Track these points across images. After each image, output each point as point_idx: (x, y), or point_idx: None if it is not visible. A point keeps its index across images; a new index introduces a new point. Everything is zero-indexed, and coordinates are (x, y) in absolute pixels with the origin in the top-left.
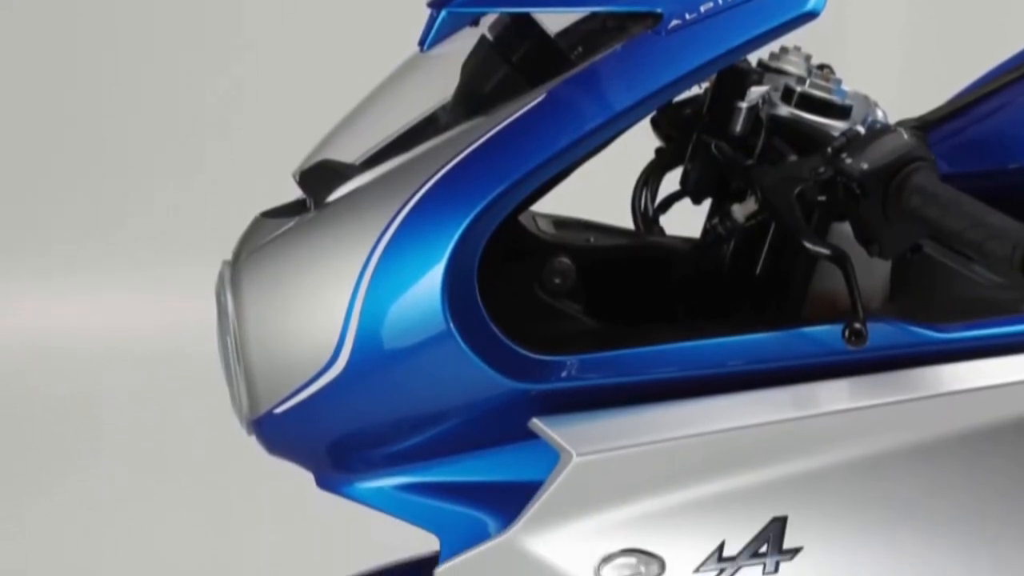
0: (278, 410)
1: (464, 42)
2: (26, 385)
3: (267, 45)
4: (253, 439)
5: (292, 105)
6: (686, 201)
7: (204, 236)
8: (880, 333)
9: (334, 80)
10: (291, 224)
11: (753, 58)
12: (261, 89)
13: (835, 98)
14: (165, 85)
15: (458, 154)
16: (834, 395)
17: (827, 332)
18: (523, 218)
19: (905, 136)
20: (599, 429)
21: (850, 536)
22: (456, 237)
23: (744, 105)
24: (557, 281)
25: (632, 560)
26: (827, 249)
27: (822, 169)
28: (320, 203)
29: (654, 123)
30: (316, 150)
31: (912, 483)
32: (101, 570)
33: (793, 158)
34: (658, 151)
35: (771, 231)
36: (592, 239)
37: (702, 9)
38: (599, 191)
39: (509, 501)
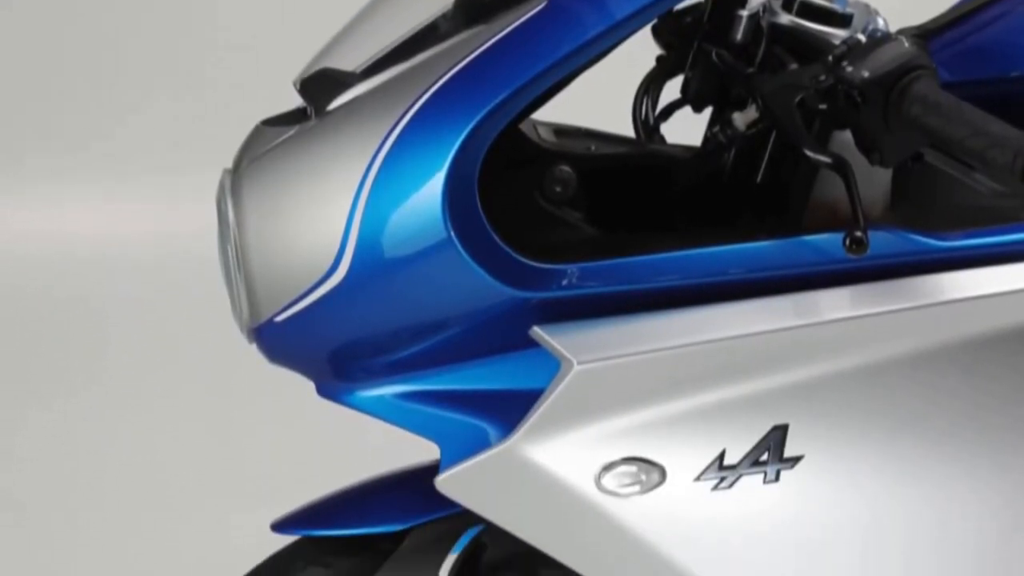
0: (279, 318)
1: None
2: (27, 293)
3: None
4: (254, 347)
5: (293, 14)
6: (687, 109)
7: (205, 144)
8: (881, 241)
9: None
10: (292, 132)
11: None
12: None
13: (836, 6)
14: None
15: (459, 63)
16: (835, 303)
17: (828, 240)
18: (524, 126)
19: (906, 44)
20: (600, 337)
21: (851, 444)
22: (457, 145)
23: (745, 13)
24: (558, 189)
25: (633, 468)
26: (828, 157)
27: (823, 77)
28: (321, 111)
29: (655, 31)
30: (317, 58)
31: (913, 391)
32: (102, 479)
33: (794, 66)
34: (659, 59)
35: (772, 139)
36: (593, 147)
37: None
38: (600, 99)
39: (510, 410)
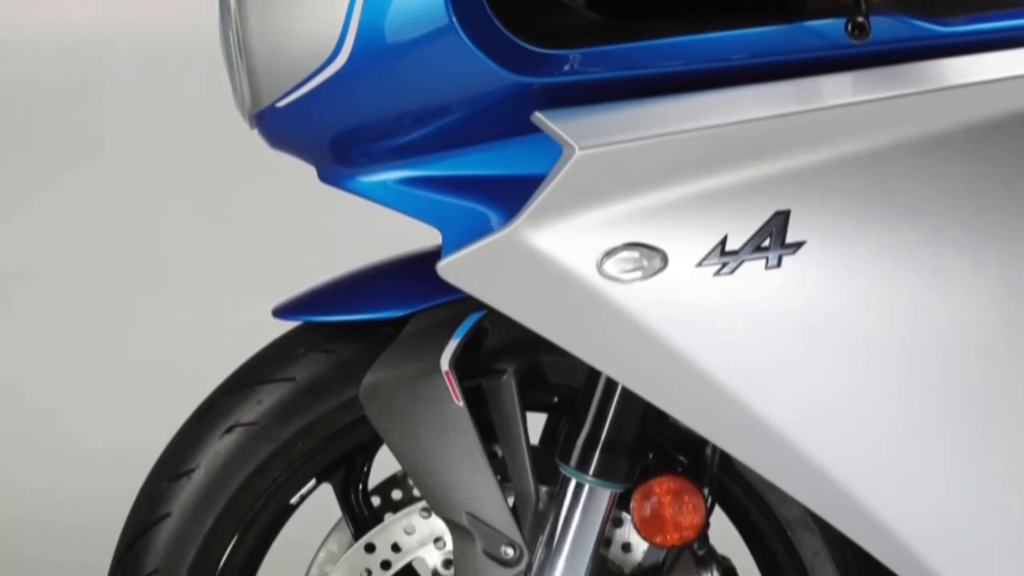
0: (280, 104)
1: None
2: (29, 78)
3: None
4: (255, 133)
5: None
6: None
7: None
8: (883, 27)
9: None
10: None
11: None
12: None
13: None
14: None
15: None
16: (837, 88)
17: (830, 26)
18: None
19: None
20: (602, 123)
21: (853, 230)
22: None
23: None
24: None
25: (635, 254)
26: None
27: None
28: None
29: None
30: None
31: (914, 177)
32: (101, 259)
33: None
34: None
35: None
36: None
37: None
38: None
39: (512, 195)
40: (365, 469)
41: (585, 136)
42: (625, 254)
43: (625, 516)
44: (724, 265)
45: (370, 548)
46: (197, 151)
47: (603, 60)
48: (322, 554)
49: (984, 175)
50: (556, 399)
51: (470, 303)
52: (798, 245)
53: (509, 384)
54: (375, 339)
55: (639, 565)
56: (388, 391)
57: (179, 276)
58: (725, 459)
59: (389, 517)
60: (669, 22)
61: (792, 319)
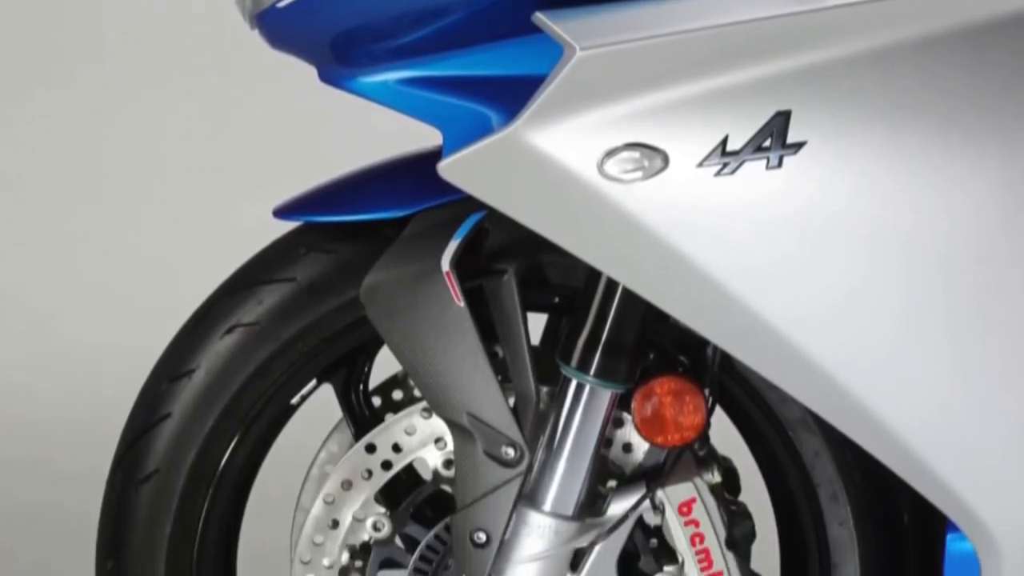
0: (281, 4)
1: None
2: None
3: None
4: (255, 33)
5: None
6: None
7: None
8: None
9: None
10: None
11: None
12: None
13: None
14: None
15: None
16: None
17: None
18: None
19: None
20: (603, 23)
21: (854, 131)
22: None
23: None
24: None
25: (636, 154)
26: None
27: None
28: None
29: None
30: None
31: (916, 77)
32: (101, 162)
33: None
34: None
35: None
36: None
37: None
38: None
39: (513, 96)
40: (366, 369)
41: (586, 36)
42: (626, 154)
43: (626, 416)
44: (725, 165)
45: (371, 448)
46: (198, 55)
47: None
48: (323, 454)
49: (984, 76)
50: (557, 299)
51: (470, 203)
52: (799, 145)
53: (510, 284)
54: (376, 239)
55: (640, 465)
56: (389, 292)
57: (180, 178)
58: (726, 359)
59: (390, 417)
60: None
61: (793, 219)
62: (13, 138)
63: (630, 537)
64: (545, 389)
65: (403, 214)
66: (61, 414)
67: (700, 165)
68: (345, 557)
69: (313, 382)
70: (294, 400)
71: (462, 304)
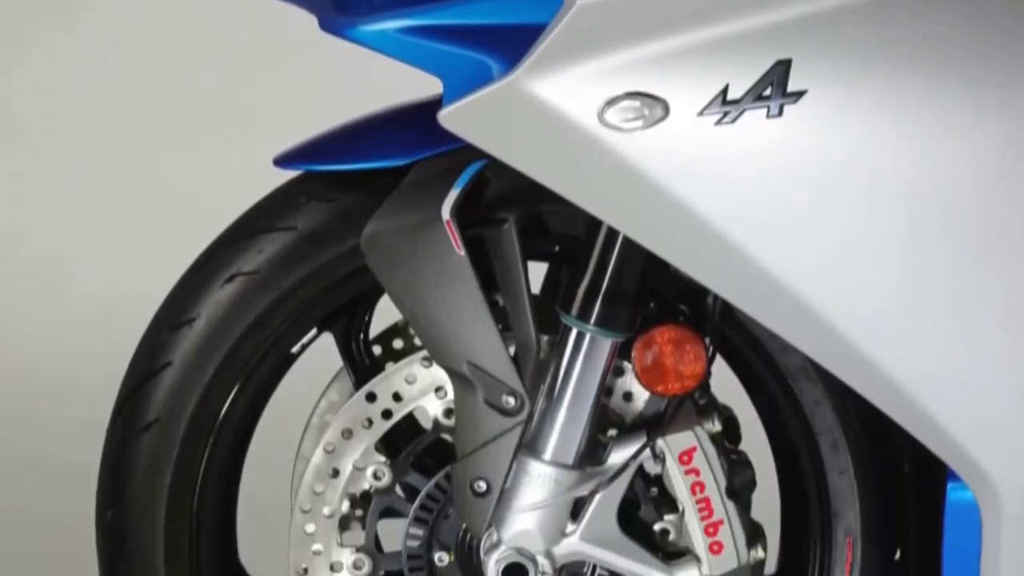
0: None
1: None
2: None
3: None
4: None
5: None
6: None
7: None
8: None
9: None
10: None
11: None
12: None
13: None
14: None
15: None
16: None
17: None
18: None
19: None
20: None
21: (854, 79)
22: None
23: None
24: None
25: (636, 103)
26: None
27: None
28: None
29: None
30: None
31: (915, 26)
32: (104, 104)
33: None
34: None
35: None
36: None
37: None
38: None
39: (513, 45)
40: (366, 318)
41: None
42: (626, 103)
43: (626, 365)
44: (725, 114)
45: (371, 397)
46: (201, 1)
47: None
48: (323, 403)
49: (984, 24)
50: (557, 248)
51: (471, 152)
52: (799, 94)
53: (510, 233)
54: (376, 188)
55: (640, 414)
56: (389, 240)
57: (180, 126)
58: (726, 308)
59: (390, 366)
60: None
61: (793, 168)
62: (13, 85)
63: (630, 486)
64: (545, 338)
65: (403, 163)
66: (61, 363)
67: (701, 114)
68: (345, 506)
69: (313, 331)
70: (294, 349)
71: (462, 253)
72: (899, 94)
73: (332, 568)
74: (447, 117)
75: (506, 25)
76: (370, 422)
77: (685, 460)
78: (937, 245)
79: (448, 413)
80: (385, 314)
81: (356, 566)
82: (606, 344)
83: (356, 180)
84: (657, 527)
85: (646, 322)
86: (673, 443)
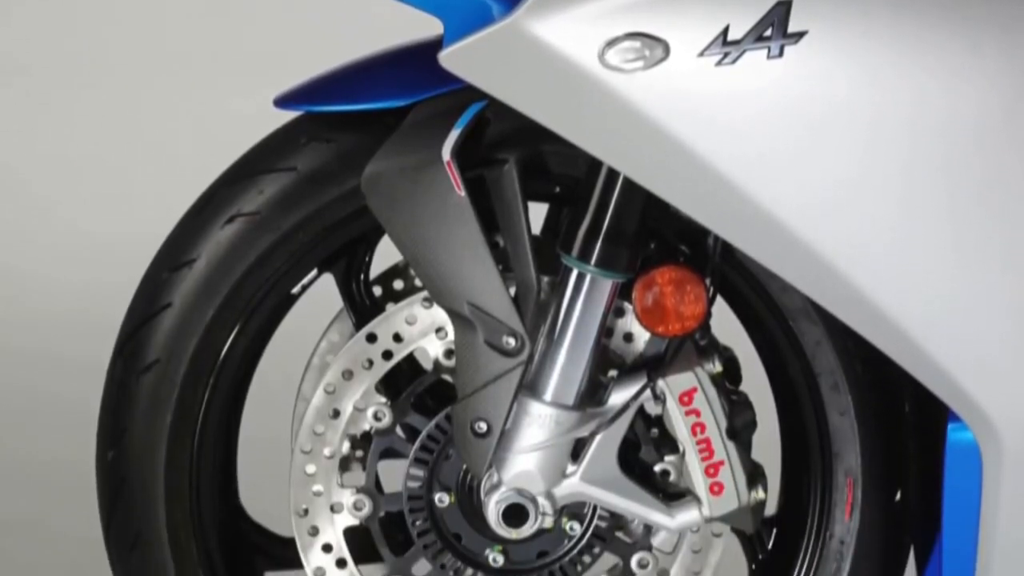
0: None
1: None
2: None
3: None
4: None
5: None
6: None
7: None
8: None
9: None
10: None
11: None
12: None
13: None
14: None
15: None
16: None
17: None
18: None
19: None
20: None
21: (854, 20)
22: None
23: None
24: None
25: (636, 44)
26: None
27: None
28: None
29: None
30: None
31: None
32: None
33: None
34: None
35: None
36: None
37: None
38: None
39: None
40: (367, 259)
41: None
42: (627, 44)
43: (627, 306)
44: (726, 55)
45: (371, 338)
46: None
47: None
48: (324, 344)
49: None
50: (558, 189)
51: (471, 93)
52: (800, 35)
53: (511, 174)
54: (377, 129)
55: (641, 355)
56: (390, 181)
57: (181, 67)
58: (727, 249)
59: (390, 307)
60: None
61: (794, 108)
62: (12, 23)
63: (631, 427)
64: (546, 279)
65: (404, 103)
66: (61, 304)
67: (701, 55)
68: (346, 447)
69: (314, 272)
70: (295, 290)
71: (463, 193)
72: (900, 34)
73: (332, 509)
74: (448, 58)
75: None
76: (370, 363)
77: (685, 401)
78: (937, 185)
79: (449, 354)
80: (385, 255)
81: (356, 507)
82: (606, 285)
83: (357, 121)
84: (657, 468)
85: (646, 263)
86: (673, 384)
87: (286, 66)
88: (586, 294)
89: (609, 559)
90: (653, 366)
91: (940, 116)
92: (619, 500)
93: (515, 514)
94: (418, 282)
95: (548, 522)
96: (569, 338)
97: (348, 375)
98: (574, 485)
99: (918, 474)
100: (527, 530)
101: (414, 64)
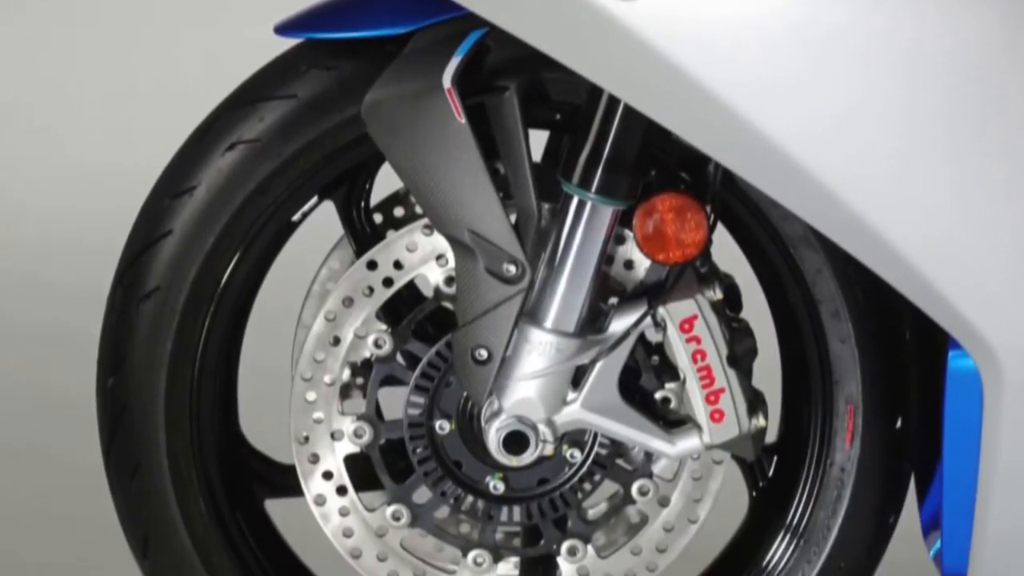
0: None
1: None
2: None
3: None
4: None
5: None
6: None
7: None
8: None
9: None
10: None
11: None
12: None
13: None
14: None
15: None
16: None
17: None
18: None
19: None
20: None
21: None
22: None
23: None
24: None
25: None
26: None
27: None
28: None
29: None
30: None
31: None
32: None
33: None
34: None
35: None
36: None
37: None
38: None
39: None
40: (367, 186)
41: None
42: None
43: (627, 233)
44: None
45: (372, 265)
46: None
47: None
48: (324, 271)
49: None
50: (558, 116)
51: (472, 20)
52: None
53: (511, 101)
54: (377, 56)
55: (641, 282)
56: (390, 108)
57: None
58: (727, 176)
59: (391, 234)
60: None
61: (794, 34)
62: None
63: (631, 354)
64: (547, 206)
65: (405, 31)
66: (61, 232)
67: None
68: (346, 374)
69: (314, 199)
70: (295, 217)
71: (463, 121)
72: None
73: (333, 436)
74: None
75: None
76: (371, 290)
77: (686, 328)
78: (939, 112)
79: (449, 281)
80: (386, 182)
81: (357, 434)
82: (607, 212)
83: (357, 48)
84: (658, 395)
85: (647, 190)
86: (674, 311)
87: None
88: (587, 221)
89: (610, 486)
90: (654, 293)
91: (942, 43)
92: (620, 427)
93: (516, 441)
94: (418, 209)
95: (548, 449)
96: (570, 265)
97: (348, 302)
98: (575, 412)
99: (918, 401)
100: (527, 457)
101: None
